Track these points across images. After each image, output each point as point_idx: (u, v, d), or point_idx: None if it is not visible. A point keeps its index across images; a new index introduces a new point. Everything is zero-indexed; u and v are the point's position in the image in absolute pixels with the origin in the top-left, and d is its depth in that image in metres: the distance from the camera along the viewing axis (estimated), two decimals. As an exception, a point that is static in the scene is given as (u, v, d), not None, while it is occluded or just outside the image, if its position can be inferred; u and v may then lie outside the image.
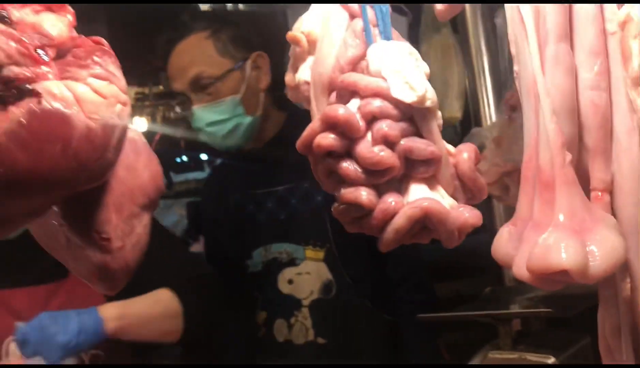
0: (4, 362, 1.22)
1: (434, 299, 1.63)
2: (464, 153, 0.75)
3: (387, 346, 1.56)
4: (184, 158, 5.22)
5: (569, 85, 0.74)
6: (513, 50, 0.78)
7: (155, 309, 1.37)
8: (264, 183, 1.65)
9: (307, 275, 1.54)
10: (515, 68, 0.79)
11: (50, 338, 1.17)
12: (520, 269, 0.73)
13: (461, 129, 2.15)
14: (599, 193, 0.76)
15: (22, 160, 0.59)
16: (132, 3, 2.12)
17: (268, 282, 1.60)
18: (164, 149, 4.97)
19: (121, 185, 0.73)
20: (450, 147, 0.77)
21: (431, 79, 0.72)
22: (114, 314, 1.28)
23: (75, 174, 0.63)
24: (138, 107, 4.82)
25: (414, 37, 2.06)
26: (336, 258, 1.52)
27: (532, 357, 1.10)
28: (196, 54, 1.54)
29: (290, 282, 1.56)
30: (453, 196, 0.75)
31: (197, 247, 4.43)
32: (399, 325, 1.58)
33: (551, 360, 1.07)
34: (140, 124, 4.89)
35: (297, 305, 1.54)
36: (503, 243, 0.77)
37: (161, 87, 4.83)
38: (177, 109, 1.89)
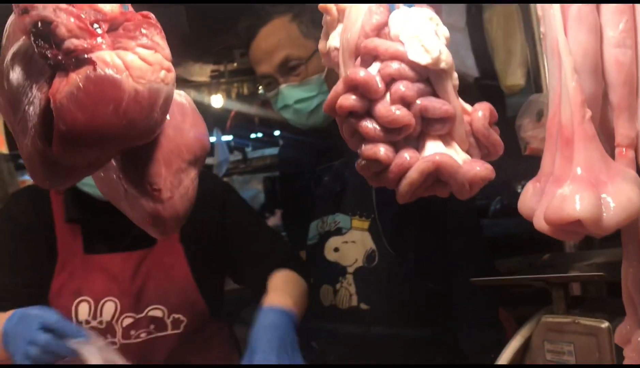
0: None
1: (491, 272, 1.62)
2: (479, 111, 0.79)
3: (430, 315, 1.59)
4: (259, 134, 5.39)
5: (592, 43, 0.76)
6: (539, 11, 0.82)
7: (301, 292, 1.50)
8: (325, 158, 1.70)
9: (352, 244, 1.59)
10: (542, 29, 0.82)
11: None
12: (539, 221, 0.78)
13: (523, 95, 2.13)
14: (623, 150, 0.78)
15: (80, 118, 0.70)
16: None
17: (319, 252, 1.66)
18: (239, 124, 5.15)
19: (170, 143, 0.84)
20: (467, 106, 0.81)
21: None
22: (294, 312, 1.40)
23: (125, 131, 0.73)
24: (213, 84, 5.00)
25: (477, 6, 2.07)
26: (379, 228, 1.56)
27: (585, 321, 1.07)
28: (282, 37, 1.56)
29: (336, 250, 1.61)
30: (468, 152, 0.80)
31: (274, 220, 4.59)
32: (445, 294, 1.60)
33: (604, 325, 1.03)
34: (216, 101, 5.09)
35: (342, 272, 1.59)
36: (528, 198, 0.81)
37: (235, 65, 4.98)
38: (262, 90, 1.94)
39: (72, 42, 0.70)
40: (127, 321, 1.42)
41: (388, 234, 1.55)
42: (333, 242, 1.61)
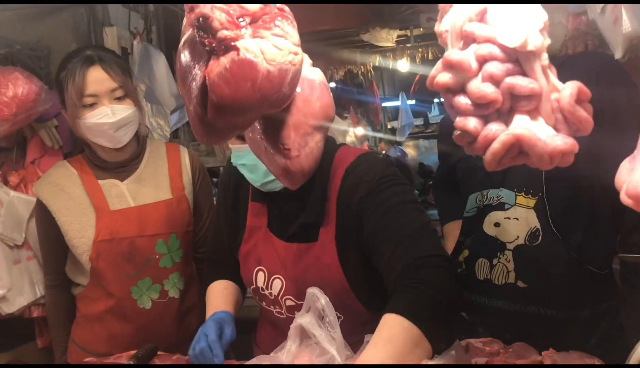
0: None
1: None
2: (566, 89, 0.85)
3: (589, 296, 1.54)
4: (441, 99, 5.42)
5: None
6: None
7: (397, 346, 1.08)
8: None
9: (514, 221, 1.56)
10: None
11: None
12: (624, 195, 0.83)
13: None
14: None
15: (226, 92, 0.92)
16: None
17: (476, 225, 1.65)
18: (421, 89, 5.24)
19: (299, 112, 1.03)
20: (559, 84, 0.88)
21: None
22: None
23: (260, 103, 0.94)
24: (399, 49, 5.15)
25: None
26: (546, 208, 1.52)
27: None
28: None
29: (497, 224, 1.59)
30: (556, 127, 0.87)
31: None
32: (607, 276, 1.56)
33: None
34: (401, 66, 5.22)
35: (501, 247, 1.57)
36: (622, 174, 0.86)
37: (421, 30, 5.05)
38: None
39: (223, 33, 0.92)
40: (289, 303, 1.51)
41: (554, 214, 1.51)
42: (494, 216, 1.60)
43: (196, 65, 0.97)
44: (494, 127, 0.87)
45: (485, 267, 1.61)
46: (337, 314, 1.31)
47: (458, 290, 1.24)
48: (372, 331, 1.12)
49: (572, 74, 0.94)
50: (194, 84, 0.96)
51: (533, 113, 0.87)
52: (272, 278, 1.53)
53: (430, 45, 5.03)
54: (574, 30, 1.76)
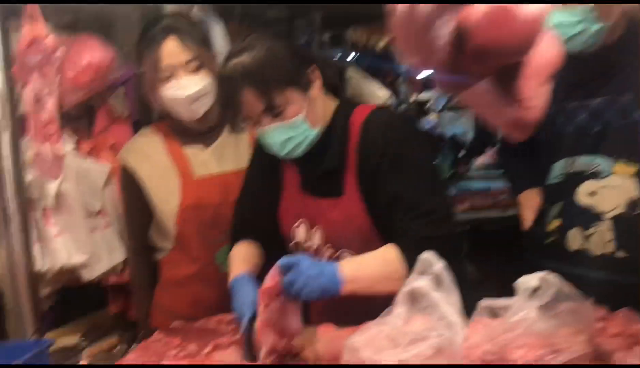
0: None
1: None
2: None
3: None
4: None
5: None
6: None
7: (384, 271, 1.37)
8: (579, 94, 1.64)
9: (612, 189, 1.53)
10: None
11: (300, 289, 1.29)
12: None
13: None
14: None
15: (489, 35, 0.92)
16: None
17: (565, 193, 1.62)
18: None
19: (537, 60, 1.03)
20: None
21: None
22: (349, 275, 1.33)
23: (519, 47, 0.96)
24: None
25: None
26: None
27: None
28: None
29: (592, 194, 1.56)
30: None
31: (482, 159, 4.52)
32: None
33: None
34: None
35: (597, 217, 1.55)
36: None
37: None
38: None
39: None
40: (329, 252, 1.57)
41: None
42: (589, 185, 1.57)
43: (445, 12, 0.95)
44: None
45: (579, 238, 1.59)
46: None
47: (457, 262, 1.28)
48: None
49: None
50: (442, 30, 0.95)
51: None
52: (312, 230, 1.58)
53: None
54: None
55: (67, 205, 1.94)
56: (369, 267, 1.39)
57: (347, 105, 1.57)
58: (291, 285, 1.29)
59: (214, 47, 1.93)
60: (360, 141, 1.50)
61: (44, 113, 1.70)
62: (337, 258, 1.51)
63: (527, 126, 1.07)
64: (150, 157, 1.82)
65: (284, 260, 1.32)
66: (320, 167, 1.53)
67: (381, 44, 4.79)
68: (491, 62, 0.98)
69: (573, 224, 1.61)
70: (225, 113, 1.52)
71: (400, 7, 1.00)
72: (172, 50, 1.71)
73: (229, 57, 1.46)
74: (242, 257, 1.65)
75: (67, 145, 2.02)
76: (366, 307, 1.56)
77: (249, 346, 1.40)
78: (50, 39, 1.70)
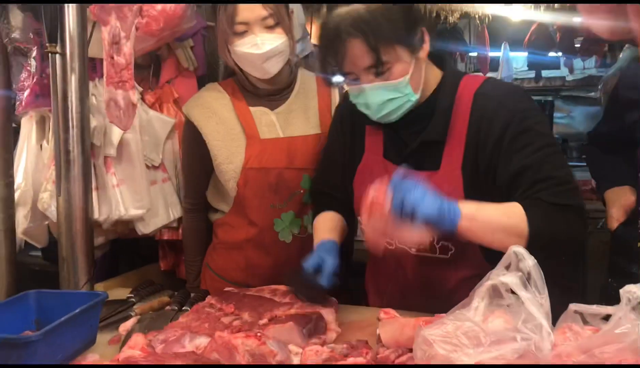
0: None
1: None
2: None
3: None
4: (559, 53, 5.03)
5: None
6: None
7: (504, 222, 1.27)
8: None
9: None
10: None
11: (417, 204, 1.17)
12: None
13: None
14: None
15: None
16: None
17: None
18: (538, 39, 4.86)
19: None
20: None
21: None
22: (469, 213, 1.23)
23: None
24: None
25: None
26: None
27: None
28: None
29: None
30: None
31: None
32: None
33: None
34: (508, 11, 4.85)
35: None
36: None
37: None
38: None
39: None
40: None
41: None
42: None
43: None
44: None
45: None
46: (448, 245, 1.42)
47: (582, 237, 1.34)
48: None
49: None
50: None
51: None
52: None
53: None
54: None
55: (129, 155, 1.90)
56: (490, 213, 1.27)
57: (453, 74, 1.47)
58: (403, 204, 1.17)
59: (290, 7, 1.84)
60: (474, 112, 1.39)
61: (120, 57, 1.63)
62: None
63: None
64: (217, 113, 1.74)
65: (397, 176, 1.21)
66: (418, 137, 1.43)
67: (456, 16, 4.59)
68: None
69: None
70: (324, 66, 1.40)
71: None
72: (248, 4, 1.62)
73: (334, 6, 1.36)
74: (330, 226, 1.57)
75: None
76: (429, 292, 1.48)
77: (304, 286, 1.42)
78: (126, -14, 1.63)
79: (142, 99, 2.10)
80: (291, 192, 1.72)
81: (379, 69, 1.32)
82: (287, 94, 1.79)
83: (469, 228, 1.23)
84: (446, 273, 1.48)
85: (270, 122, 1.75)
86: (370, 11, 1.29)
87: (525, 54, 5.30)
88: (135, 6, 1.66)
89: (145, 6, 1.87)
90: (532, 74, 5.90)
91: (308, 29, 2.97)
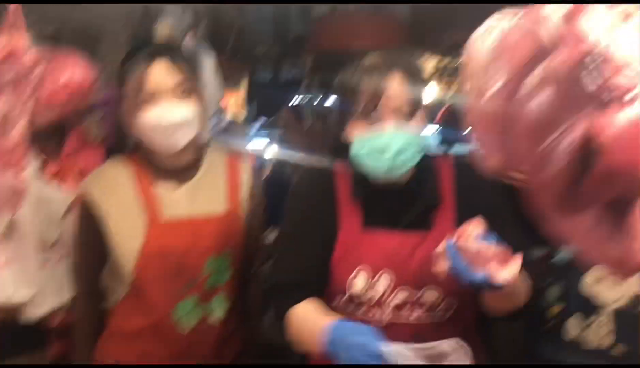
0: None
1: None
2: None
3: None
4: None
5: None
6: None
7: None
8: None
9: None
10: None
11: None
12: None
13: None
14: None
15: (628, 158, 0.76)
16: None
17: (572, 274, 1.51)
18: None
19: None
20: None
21: None
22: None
23: None
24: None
25: None
26: None
27: None
28: None
29: (598, 281, 1.47)
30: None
31: None
32: None
33: None
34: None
35: (598, 307, 1.46)
36: None
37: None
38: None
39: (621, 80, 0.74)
40: (402, 295, 1.41)
41: None
42: (597, 271, 1.45)
43: (570, 115, 0.77)
44: None
45: (578, 326, 1.49)
46: (453, 301, 1.41)
47: None
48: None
49: None
50: (565, 139, 0.77)
51: None
52: (376, 275, 1.42)
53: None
54: None
55: (20, 233, 1.75)
56: None
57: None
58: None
59: (203, 79, 1.81)
60: (458, 172, 1.46)
61: (10, 137, 1.51)
62: (413, 302, 1.42)
63: (634, 267, 0.90)
64: (116, 191, 1.65)
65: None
66: (409, 204, 1.43)
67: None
68: (615, 189, 0.80)
69: (574, 310, 1.51)
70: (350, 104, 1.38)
71: (492, 100, 0.86)
72: (161, 71, 1.58)
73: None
74: (323, 311, 1.40)
75: (32, 165, 1.84)
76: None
77: None
78: (30, 54, 1.52)
79: (43, 169, 1.97)
80: (193, 277, 1.63)
81: (413, 108, 1.34)
82: (194, 171, 1.71)
83: None
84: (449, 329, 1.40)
85: (175, 200, 1.67)
86: (405, 52, 1.35)
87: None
88: (36, 81, 1.56)
89: (51, 75, 1.78)
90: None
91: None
